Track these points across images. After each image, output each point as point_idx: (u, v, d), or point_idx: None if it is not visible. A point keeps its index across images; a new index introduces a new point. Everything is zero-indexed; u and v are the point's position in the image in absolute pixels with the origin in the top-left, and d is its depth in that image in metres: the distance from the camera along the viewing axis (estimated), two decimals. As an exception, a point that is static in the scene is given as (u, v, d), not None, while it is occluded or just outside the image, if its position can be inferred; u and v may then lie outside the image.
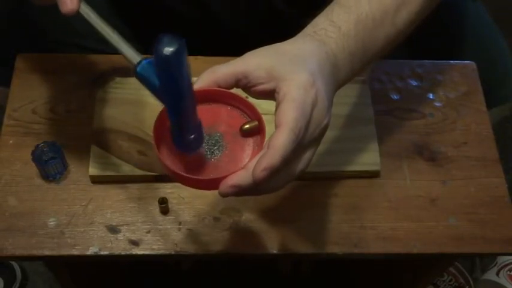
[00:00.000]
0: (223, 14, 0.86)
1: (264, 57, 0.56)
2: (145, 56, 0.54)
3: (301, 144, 0.52)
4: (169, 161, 0.54)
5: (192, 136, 0.53)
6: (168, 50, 0.45)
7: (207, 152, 0.55)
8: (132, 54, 0.55)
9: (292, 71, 0.54)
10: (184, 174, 0.52)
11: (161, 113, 0.54)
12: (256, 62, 0.55)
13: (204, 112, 0.56)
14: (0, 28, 0.91)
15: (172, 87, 0.48)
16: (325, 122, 0.54)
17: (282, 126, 0.50)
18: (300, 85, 0.52)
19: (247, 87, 0.56)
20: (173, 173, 0.53)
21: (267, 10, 0.85)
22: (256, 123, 0.55)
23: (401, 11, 0.63)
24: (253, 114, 0.56)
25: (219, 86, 0.55)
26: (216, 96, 0.56)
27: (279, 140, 0.50)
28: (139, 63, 0.54)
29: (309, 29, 0.59)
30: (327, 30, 0.58)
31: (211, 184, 0.52)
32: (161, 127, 0.54)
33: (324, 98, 0.54)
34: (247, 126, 0.56)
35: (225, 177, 0.51)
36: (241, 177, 0.51)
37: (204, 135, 0.55)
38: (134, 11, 0.91)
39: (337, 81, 0.58)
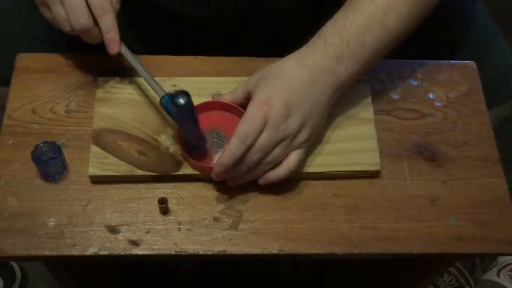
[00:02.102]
0: (224, 14, 0.86)
1: (258, 77, 0.72)
2: (168, 92, 0.71)
3: (259, 144, 0.68)
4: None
5: (196, 144, 0.73)
6: (181, 101, 0.67)
7: (215, 147, 0.74)
8: (158, 89, 0.72)
9: (257, 91, 0.70)
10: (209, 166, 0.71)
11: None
12: (253, 84, 0.72)
13: (217, 117, 0.76)
14: (0, 28, 0.91)
15: (183, 120, 0.70)
16: (284, 126, 0.68)
17: (234, 134, 0.68)
18: (255, 104, 0.69)
19: None
20: (202, 167, 0.72)
21: (269, 11, 0.85)
22: None
23: (390, 14, 0.70)
24: None
25: (239, 103, 0.74)
26: (226, 106, 0.75)
27: (229, 144, 0.68)
28: (163, 97, 0.71)
29: (304, 46, 0.72)
30: (316, 43, 0.71)
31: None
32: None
33: (281, 109, 0.68)
34: None
35: None
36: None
37: (217, 134, 0.75)
38: (134, 11, 0.91)
39: (325, 83, 0.70)
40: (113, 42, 0.72)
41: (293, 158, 0.71)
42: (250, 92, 0.72)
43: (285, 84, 0.69)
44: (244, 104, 0.73)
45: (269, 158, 0.70)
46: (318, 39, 0.71)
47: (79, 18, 0.69)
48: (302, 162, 0.73)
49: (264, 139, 0.68)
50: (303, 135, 0.70)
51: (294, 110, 0.69)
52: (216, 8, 0.85)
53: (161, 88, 0.72)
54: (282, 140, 0.69)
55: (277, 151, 0.70)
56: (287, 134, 0.69)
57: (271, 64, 0.72)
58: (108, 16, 0.71)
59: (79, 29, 0.70)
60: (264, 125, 0.68)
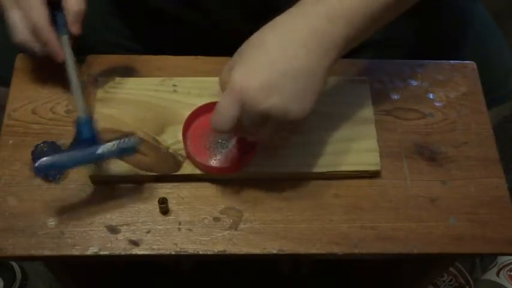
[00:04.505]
0: (223, 14, 0.86)
1: (237, 53, 0.64)
2: (88, 115, 0.69)
3: (244, 126, 0.63)
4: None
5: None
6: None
7: (219, 146, 0.74)
8: (81, 107, 0.69)
9: (234, 71, 0.61)
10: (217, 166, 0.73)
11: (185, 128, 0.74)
12: (233, 61, 0.64)
13: None
14: (0, 28, 0.91)
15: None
16: (262, 107, 0.60)
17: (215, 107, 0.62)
18: (228, 88, 0.61)
19: None
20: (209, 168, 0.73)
21: (267, 9, 0.85)
22: None
23: None
24: None
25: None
26: None
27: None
28: (81, 117, 0.68)
29: (293, 6, 0.64)
30: (307, 3, 0.63)
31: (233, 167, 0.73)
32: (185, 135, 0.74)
33: (257, 91, 0.59)
34: None
35: (240, 163, 0.73)
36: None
37: (224, 134, 0.74)
38: (134, 12, 0.91)
39: (316, 49, 0.61)
40: (55, 53, 0.71)
41: None
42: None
43: (265, 58, 0.61)
44: None
45: (262, 135, 0.65)
46: None
47: (18, 34, 0.71)
48: (302, 162, 0.73)
49: (245, 122, 0.62)
50: (293, 112, 0.61)
51: (277, 88, 0.60)
52: (214, 8, 0.85)
53: (85, 107, 0.69)
54: (267, 121, 0.62)
55: (267, 130, 0.64)
56: (270, 115, 0.61)
57: (252, 36, 0.64)
58: (43, 31, 0.70)
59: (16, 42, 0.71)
60: (239, 112, 0.61)
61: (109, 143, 0.66)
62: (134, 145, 0.67)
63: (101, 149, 0.66)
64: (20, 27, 0.71)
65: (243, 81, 0.60)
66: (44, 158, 0.65)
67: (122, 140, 0.66)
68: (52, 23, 0.71)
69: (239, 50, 0.64)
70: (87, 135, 0.67)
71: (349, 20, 0.62)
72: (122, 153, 0.67)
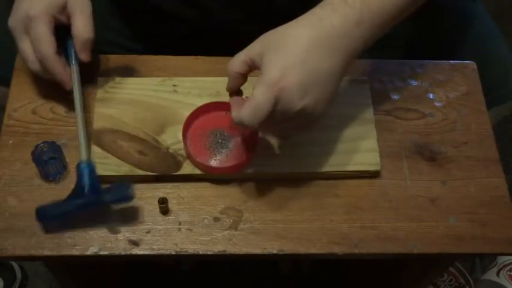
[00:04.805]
0: (223, 14, 0.86)
1: (264, 45, 0.64)
2: (89, 160, 0.70)
3: (270, 122, 0.63)
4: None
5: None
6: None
7: (219, 147, 0.74)
8: (84, 151, 0.70)
9: (267, 66, 0.62)
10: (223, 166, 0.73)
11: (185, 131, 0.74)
12: (257, 49, 0.64)
13: (221, 117, 0.76)
14: (0, 28, 0.91)
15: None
16: (298, 107, 0.62)
17: (246, 104, 0.62)
18: (265, 82, 0.61)
19: (256, 69, 0.65)
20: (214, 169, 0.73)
21: (267, 9, 0.85)
22: None
23: None
24: None
25: (244, 75, 0.66)
26: (230, 107, 0.69)
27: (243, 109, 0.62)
28: (82, 161, 0.70)
29: (315, 7, 0.65)
30: (333, 4, 0.64)
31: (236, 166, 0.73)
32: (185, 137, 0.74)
33: (295, 90, 0.61)
34: None
35: (240, 163, 0.72)
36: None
37: (221, 134, 0.75)
38: (134, 11, 0.91)
39: (344, 48, 0.63)
40: (63, 82, 0.73)
41: None
42: (253, 62, 0.65)
43: (299, 58, 0.62)
44: (245, 74, 0.67)
45: (283, 131, 0.67)
46: None
47: (29, 64, 0.73)
48: (302, 162, 0.73)
49: (276, 118, 0.63)
50: (318, 111, 0.64)
51: (310, 88, 0.62)
52: (215, 8, 0.85)
53: (88, 152, 0.71)
54: (296, 118, 0.64)
55: (290, 127, 0.66)
56: (302, 114, 0.63)
57: (278, 30, 0.65)
58: (49, 62, 0.71)
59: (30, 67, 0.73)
60: (273, 109, 0.62)
61: (107, 194, 0.69)
62: (131, 195, 0.68)
63: (96, 199, 0.68)
64: (30, 58, 0.72)
65: (282, 79, 0.61)
66: (46, 207, 0.69)
67: (119, 188, 0.69)
68: (61, 49, 0.73)
69: (263, 41, 0.64)
70: (86, 181, 0.68)
71: (371, 23, 0.64)
72: (118, 202, 0.70)
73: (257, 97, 0.61)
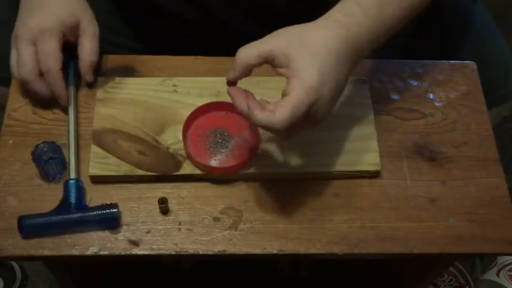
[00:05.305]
0: (224, 14, 0.86)
1: (289, 43, 0.61)
2: (78, 181, 0.71)
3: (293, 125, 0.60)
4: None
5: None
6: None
7: (219, 147, 0.74)
8: (73, 168, 0.72)
9: (305, 70, 0.60)
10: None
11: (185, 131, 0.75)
12: (281, 46, 0.61)
13: (221, 117, 0.76)
14: (0, 28, 0.91)
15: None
16: (322, 113, 0.62)
17: (280, 107, 0.59)
18: (305, 87, 0.59)
19: (272, 64, 0.62)
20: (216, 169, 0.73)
21: (268, 9, 0.85)
22: None
23: None
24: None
25: (252, 68, 0.63)
26: (230, 107, 0.71)
27: (277, 114, 0.59)
28: (71, 180, 0.71)
29: (335, 12, 0.64)
30: (355, 15, 0.63)
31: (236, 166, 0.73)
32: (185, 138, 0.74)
33: (327, 97, 0.61)
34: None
35: (240, 163, 0.73)
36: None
37: (221, 134, 0.75)
38: (135, 11, 0.91)
39: (357, 60, 0.65)
40: (60, 97, 0.75)
41: None
42: (275, 58, 0.61)
43: (332, 68, 0.61)
44: (258, 67, 0.64)
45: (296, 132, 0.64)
46: (354, 6, 0.64)
47: (24, 72, 0.73)
48: (302, 162, 0.73)
49: (298, 122, 0.61)
50: (325, 114, 0.64)
51: (335, 95, 0.63)
52: (217, 8, 0.85)
53: (76, 170, 0.72)
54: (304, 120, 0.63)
55: (304, 128, 0.65)
56: (311, 117, 0.62)
57: (301, 29, 0.63)
58: (53, 76, 0.73)
59: (21, 79, 0.74)
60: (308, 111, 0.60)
61: (92, 213, 0.69)
62: (116, 217, 0.69)
63: (81, 217, 0.69)
64: (29, 67, 0.72)
65: (320, 87, 0.60)
66: (28, 219, 0.68)
67: (104, 211, 0.69)
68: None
69: (288, 37, 0.62)
70: (72, 200, 0.69)
71: (387, 35, 0.66)
72: (102, 223, 0.69)
73: (294, 100, 0.59)
